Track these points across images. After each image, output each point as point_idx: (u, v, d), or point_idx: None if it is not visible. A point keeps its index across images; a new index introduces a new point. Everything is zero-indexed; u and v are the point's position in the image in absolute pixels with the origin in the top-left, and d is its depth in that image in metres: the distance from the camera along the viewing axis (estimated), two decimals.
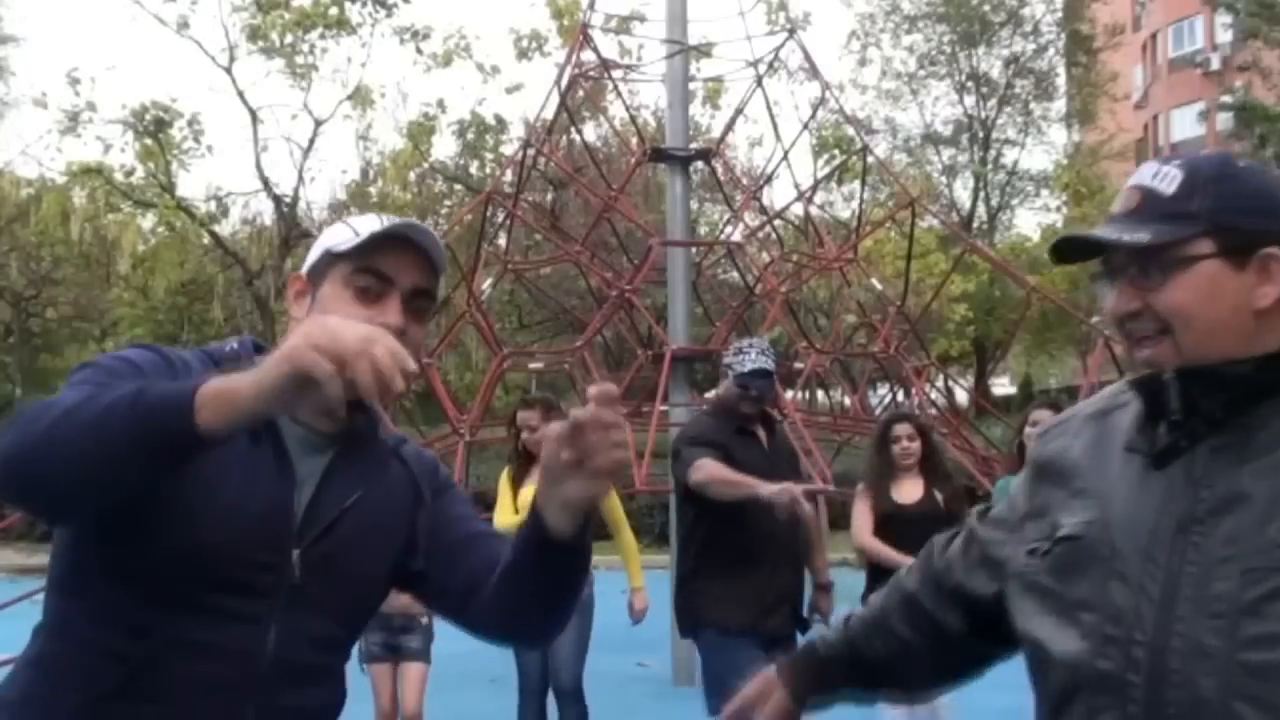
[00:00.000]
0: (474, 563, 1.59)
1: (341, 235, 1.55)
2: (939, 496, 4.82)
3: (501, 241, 13.60)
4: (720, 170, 13.77)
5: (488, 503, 5.27)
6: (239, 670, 1.44)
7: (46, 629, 1.50)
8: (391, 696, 4.74)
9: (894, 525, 4.79)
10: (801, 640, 4.09)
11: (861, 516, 4.93)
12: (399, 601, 4.69)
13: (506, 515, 4.94)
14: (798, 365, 11.15)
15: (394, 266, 1.51)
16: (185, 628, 1.41)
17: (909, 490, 4.83)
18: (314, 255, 1.58)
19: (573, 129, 15.91)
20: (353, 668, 5.01)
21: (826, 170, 19.18)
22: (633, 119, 16.18)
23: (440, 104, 20.11)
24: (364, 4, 18.27)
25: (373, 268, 1.51)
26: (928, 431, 5.02)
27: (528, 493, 4.86)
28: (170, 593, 1.41)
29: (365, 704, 4.71)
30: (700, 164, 13.09)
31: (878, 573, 4.88)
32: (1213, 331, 1.25)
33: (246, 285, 18.79)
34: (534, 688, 4.92)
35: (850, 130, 18.89)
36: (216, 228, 20.30)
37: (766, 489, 3.92)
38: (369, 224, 1.54)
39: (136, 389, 1.27)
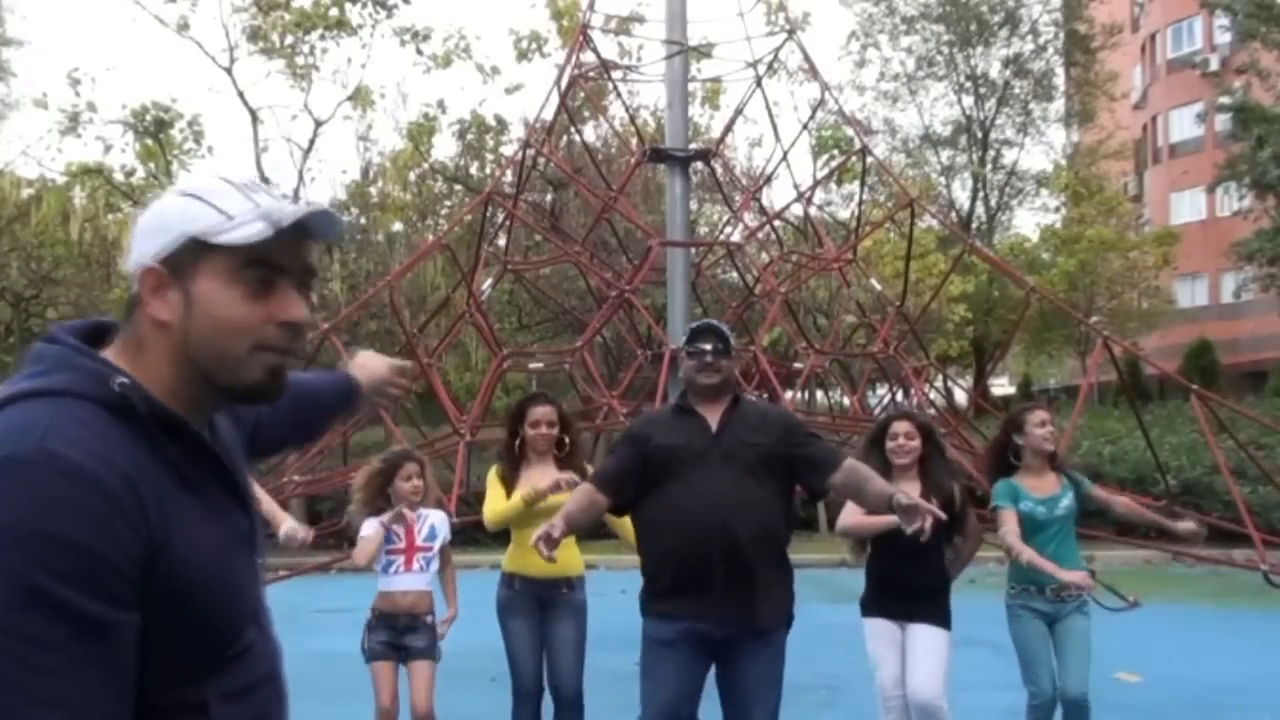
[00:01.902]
0: (285, 420, 1.90)
1: (204, 216, 1.31)
2: (935, 500, 4.81)
3: (501, 242, 13.62)
4: (720, 170, 13.78)
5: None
6: (279, 678, 1.47)
7: None
8: (393, 695, 4.70)
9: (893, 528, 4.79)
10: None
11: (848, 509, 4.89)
12: (404, 601, 4.73)
13: (498, 503, 4.91)
14: (797, 365, 11.16)
15: (288, 253, 1.35)
16: (234, 678, 1.36)
17: (909, 493, 4.81)
18: (166, 241, 1.32)
19: (572, 129, 15.93)
20: (358, 665, 4.95)
21: (826, 171, 19.18)
22: (632, 119, 16.19)
23: (441, 105, 20.12)
24: (364, 5, 18.27)
25: (267, 259, 1.33)
26: (930, 431, 4.93)
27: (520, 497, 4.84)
28: (211, 663, 1.34)
29: (363, 704, 4.72)
30: (700, 164, 13.11)
31: (876, 576, 4.89)
32: None
33: None
34: (530, 692, 4.89)
35: (849, 131, 18.90)
36: None
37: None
38: (240, 203, 1.32)
39: None
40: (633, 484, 3.91)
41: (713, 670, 3.93)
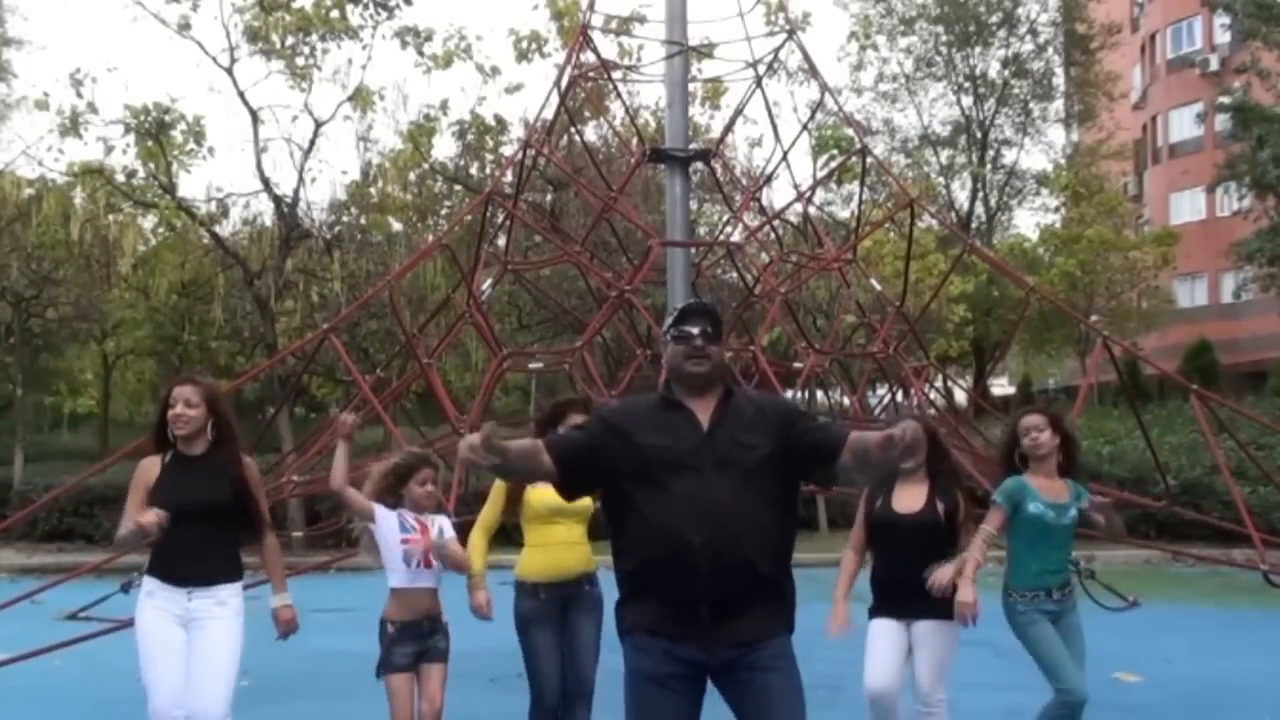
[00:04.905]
0: None
1: None
2: (940, 506, 4.81)
3: (501, 242, 13.61)
4: (720, 170, 13.77)
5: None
6: None
7: None
8: (409, 708, 4.63)
9: (891, 533, 4.79)
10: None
11: (857, 522, 5.03)
12: (424, 604, 4.70)
13: (495, 509, 4.96)
14: (797, 365, 11.16)
15: None
16: None
17: (909, 499, 4.80)
18: None
19: (572, 129, 15.92)
20: (367, 676, 4.93)
21: (825, 171, 19.18)
22: (632, 119, 16.19)
23: (444, 106, 20.09)
24: (365, 6, 18.24)
25: None
26: (937, 436, 4.91)
27: (536, 495, 4.84)
28: None
29: (364, 704, 4.71)
30: (700, 164, 13.10)
31: (881, 581, 4.90)
32: None
33: (247, 286, 18.75)
34: (552, 707, 4.86)
35: (849, 131, 18.90)
36: (217, 228, 20.28)
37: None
38: None
39: None
40: (589, 473, 3.33)
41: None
